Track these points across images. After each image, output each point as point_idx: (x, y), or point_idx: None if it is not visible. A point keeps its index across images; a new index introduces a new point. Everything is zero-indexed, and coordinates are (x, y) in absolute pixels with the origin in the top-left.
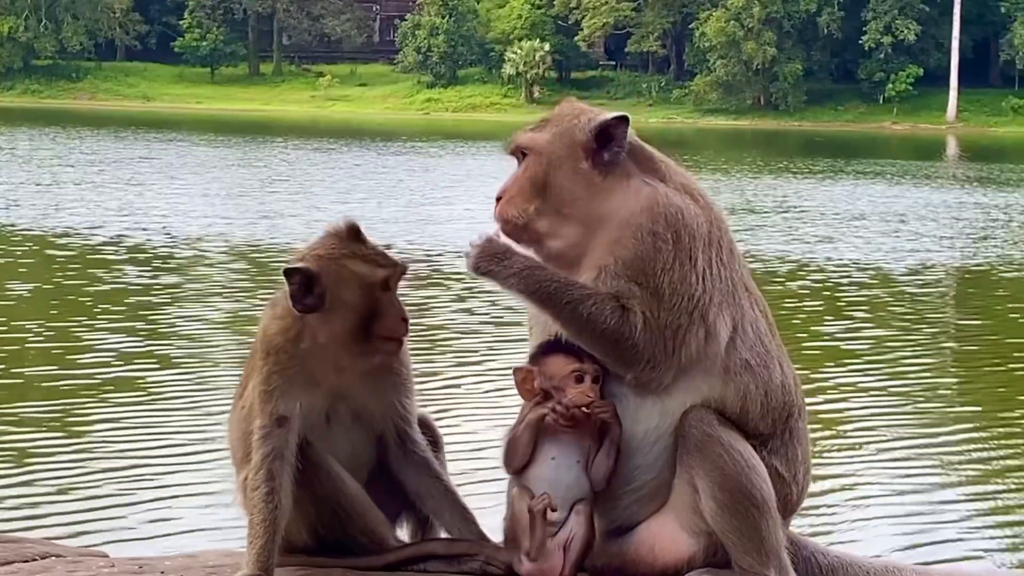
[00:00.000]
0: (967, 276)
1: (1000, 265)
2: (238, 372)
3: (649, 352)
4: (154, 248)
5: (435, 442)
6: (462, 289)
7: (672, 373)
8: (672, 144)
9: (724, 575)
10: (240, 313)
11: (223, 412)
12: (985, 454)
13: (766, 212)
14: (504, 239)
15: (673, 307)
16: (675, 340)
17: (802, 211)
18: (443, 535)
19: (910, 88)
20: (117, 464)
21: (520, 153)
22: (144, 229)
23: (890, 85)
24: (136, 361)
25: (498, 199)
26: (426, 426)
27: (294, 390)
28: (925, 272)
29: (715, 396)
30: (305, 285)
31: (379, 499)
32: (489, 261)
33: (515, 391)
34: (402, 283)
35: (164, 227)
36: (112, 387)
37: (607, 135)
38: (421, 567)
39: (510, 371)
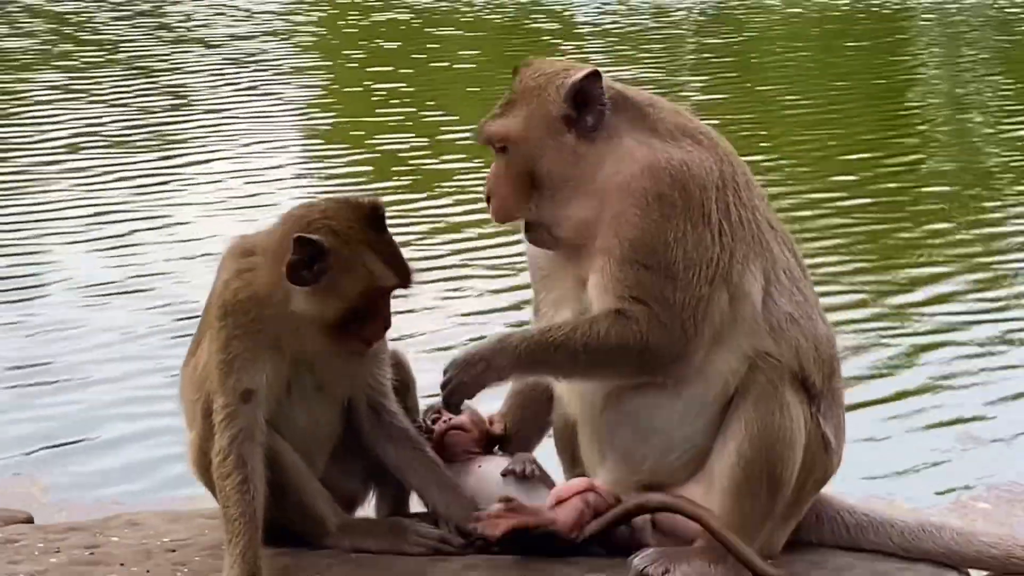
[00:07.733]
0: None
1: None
2: None
3: (667, 348)
4: None
5: (405, 384)
6: None
7: (701, 352)
8: None
9: (681, 553)
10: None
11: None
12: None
13: None
14: (467, 348)
15: (690, 282)
16: (695, 319)
17: None
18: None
19: None
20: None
21: (495, 145)
22: None
23: None
24: None
25: (488, 198)
26: (398, 365)
27: (258, 359)
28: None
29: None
30: (311, 258)
31: (345, 472)
32: (476, 377)
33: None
34: None
35: None
36: None
37: (583, 96)
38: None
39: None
